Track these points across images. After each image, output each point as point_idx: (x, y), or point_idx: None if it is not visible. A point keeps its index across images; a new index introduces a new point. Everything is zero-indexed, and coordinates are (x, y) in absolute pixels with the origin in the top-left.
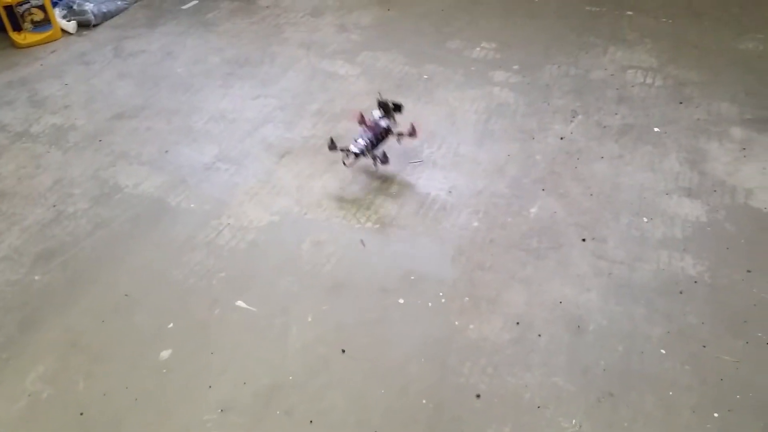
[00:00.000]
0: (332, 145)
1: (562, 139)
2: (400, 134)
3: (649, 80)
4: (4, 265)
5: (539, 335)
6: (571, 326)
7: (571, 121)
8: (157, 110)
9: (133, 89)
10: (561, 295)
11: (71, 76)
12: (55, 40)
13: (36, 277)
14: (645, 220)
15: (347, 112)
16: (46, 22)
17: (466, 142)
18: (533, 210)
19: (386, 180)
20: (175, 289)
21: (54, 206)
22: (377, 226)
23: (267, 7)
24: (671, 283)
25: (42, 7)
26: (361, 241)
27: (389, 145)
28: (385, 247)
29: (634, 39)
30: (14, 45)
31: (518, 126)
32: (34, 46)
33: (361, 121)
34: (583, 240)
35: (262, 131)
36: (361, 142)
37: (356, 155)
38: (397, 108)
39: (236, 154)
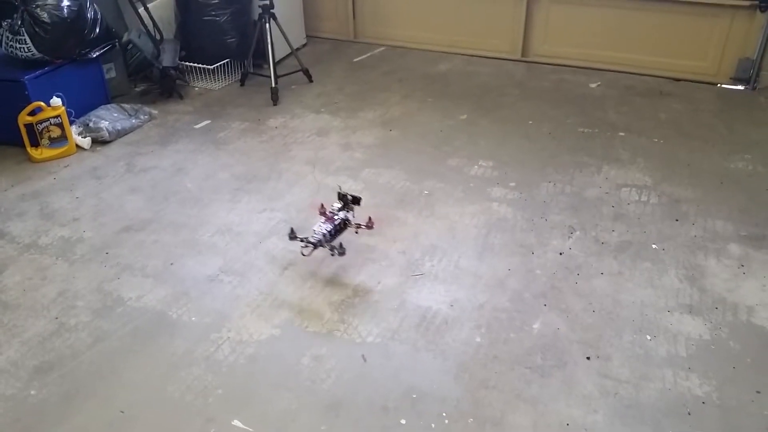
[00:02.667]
0: (292, 235)
1: (561, 254)
2: (358, 225)
3: (644, 198)
4: (1, 378)
5: None
6: None
7: (569, 237)
8: (165, 224)
9: (142, 203)
10: (568, 416)
11: (82, 189)
12: (69, 155)
13: (32, 392)
14: (648, 337)
15: (310, 204)
16: (62, 138)
17: (466, 256)
18: (536, 326)
19: (388, 293)
20: (171, 407)
21: (56, 318)
22: (378, 340)
23: (276, 127)
24: (678, 403)
25: (60, 125)
26: (362, 356)
27: (350, 239)
28: (386, 362)
29: (627, 158)
30: (30, 159)
31: (517, 240)
32: (50, 160)
33: (323, 212)
34: (588, 358)
35: (267, 244)
36: (319, 232)
37: (314, 246)
38: (356, 201)
39: (240, 266)
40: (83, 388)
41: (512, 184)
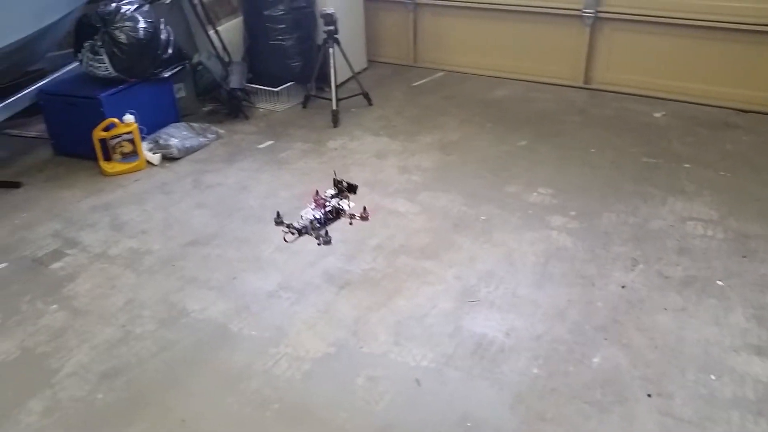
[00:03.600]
0: (278, 220)
1: (623, 287)
2: (351, 216)
3: (710, 232)
4: (71, 381)
5: None
6: None
7: (632, 270)
8: (229, 239)
9: (208, 219)
10: None
11: (151, 203)
12: (139, 170)
13: (99, 395)
14: (713, 377)
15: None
16: (133, 153)
17: (524, 284)
18: (596, 359)
19: (443, 318)
20: (229, 418)
21: (123, 326)
22: (433, 365)
23: (335, 149)
24: None
25: (131, 141)
26: (417, 380)
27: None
28: (440, 387)
29: (693, 191)
30: (103, 173)
31: (578, 271)
32: (121, 174)
33: (317, 199)
34: (649, 395)
35: (324, 263)
36: (306, 218)
37: (299, 232)
38: (352, 188)
39: (298, 283)
40: (147, 395)
41: (572, 212)
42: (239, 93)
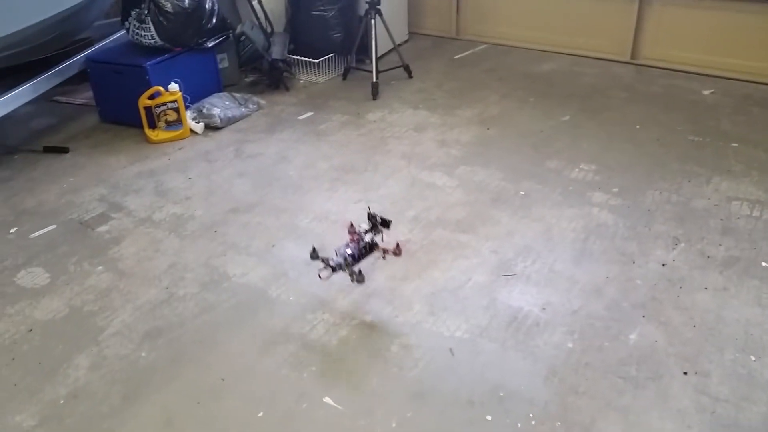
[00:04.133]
0: (314, 255)
1: (663, 265)
2: (385, 251)
3: (756, 213)
4: (116, 339)
5: None
6: None
7: (674, 249)
8: (269, 207)
9: (248, 187)
10: (660, 429)
11: (195, 171)
12: (183, 139)
13: (143, 354)
14: (752, 358)
15: (341, 221)
16: (177, 122)
17: (562, 260)
18: (632, 336)
19: (478, 291)
20: (267, 379)
21: (166, 288)
22: (467, 336)
23: (374, 121)
24: None
25: (176, 109)
26: (450, 349)
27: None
28: (474, 358)
29: (741, 171)
30: (147, 141)
31: (618, 248)
32: (165, 142)
33: (351, 231)
34: (685, 373)
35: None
36: (341, 255)
37: (333, 269)
38: (385, 224)
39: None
40: (188, 354)
41: (615, 189)
42: (281, 64)
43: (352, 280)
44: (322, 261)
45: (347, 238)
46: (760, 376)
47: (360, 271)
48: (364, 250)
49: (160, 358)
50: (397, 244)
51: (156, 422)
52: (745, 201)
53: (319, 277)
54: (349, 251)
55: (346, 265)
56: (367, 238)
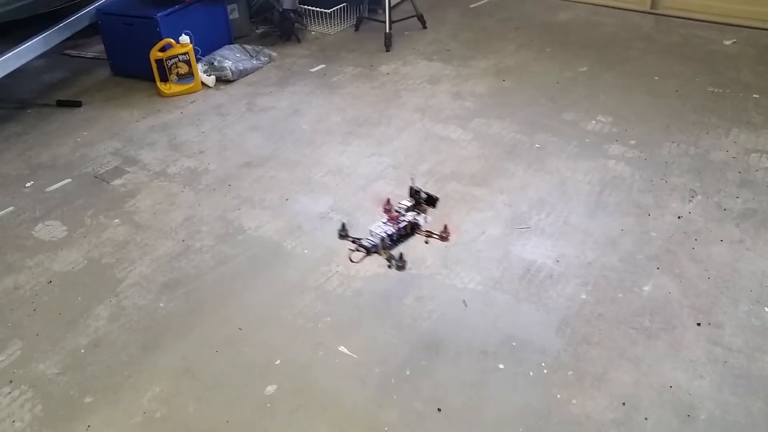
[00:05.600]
0: (343, 233)
1: (679, 218)
2: (429, 234)
3: None
4: (134, 290)
5: (646, 418)
6: (680, 412)
7: (690, 201)
8: (282, 161)
9: (261, 141)
10: (671, 378)
11: (207, 125)
12: (195, 92)
13: (161, 304)
14: (767, 309)
15: (373, 197)
16: (189, 75)
17: (576, 213)
18: (646, 288)
19: (492, 244)
20: (283, 328)
21: (183, 241)
22: (480, 287)
23: (387, 73)
24: None
25: (187, 62)
26: (464, 301)
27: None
28: (487, 309)
29: (760, 122)
30: (159, 94)
31: (633, 201)
32: (177, 96)
33: (387, 209)
34: (698, 324)
35: (374, 186)
36: (377, 235)
37: (367, 251)
38: (431, 201)
39: (349, 206)
40: (206, 304)
41: (632, 141)
42: (291, 15)
43: (389, 266)
44: (353, 241)
45: (384, 216)
46: None
47: (401, 256)
48: (404, 231)
49: (178, 309)
50: (445, 227)
51: (175, 370)
52: (764, 153)
53: (350, 260)
54: (387, 232)
55: (384, 248)
56: (409, 216)
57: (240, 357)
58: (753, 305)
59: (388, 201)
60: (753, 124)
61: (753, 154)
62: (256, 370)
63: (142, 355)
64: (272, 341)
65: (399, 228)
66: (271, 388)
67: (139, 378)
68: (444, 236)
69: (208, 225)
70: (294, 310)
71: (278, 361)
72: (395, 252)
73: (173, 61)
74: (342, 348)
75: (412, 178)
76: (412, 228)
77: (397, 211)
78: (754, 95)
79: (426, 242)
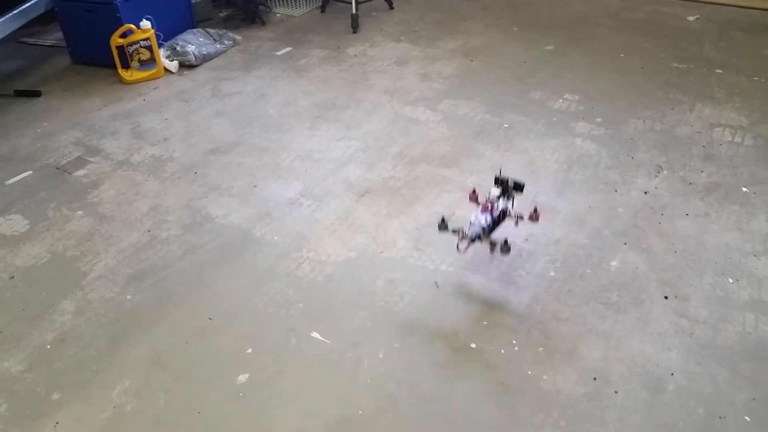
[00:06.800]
0: (443, 225)
1: (645, 193)
2: (519, 217)
3: (737, 139)
4: (100, 283)
5: (616, 392)
6: (649, 384)
7: (656, 176)
8: (249, 147)
9: (227, 127)
10: (640, 351)
11: (171, 111)
12: (158, 78)
13: (128, 297)
14: (730, 280)
15: (460, 190)
16: (151, 61)
17: (545, 191)
18: (614, 263)
19: (462, 224)
20: (255, 317)
21: (149, 231)
22: (451, 268)
23: (355, 56)
24: (758, 347)
25: (149, 48)
26: (435, 282)
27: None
28: (458, 290)
29: (723, 97)
30: (121, 81)
31: (600, 178)
32: (139, 82)
33: (474, 199)
34: (665, 297)
35: (344, 171)
36: (478, 225)
37: (472, 240)
38: (518, 188)
39: (319, 191)
40: (174, 295)
41: (598, 119)
42: None
43: (492, 251)
44: (454, 232)
45: (474, 207)
46: (737, 298)
47: (506, 241)
48: (498, 219)
49: (146, 300)
50: (535, 208)
51: (145, 362)
52: (727, 127)
53: (458, 249)
54: (486, 220)
55: (485, 234)
56: (501, 204)
57: (211, 347)
58: (717, 277)
59: (474, 191)
60: (716, 98)
61: (716, 129)
62: (227, 359)
63: (111, 349)
64: (243, 330)
65: (495, 216)
66: (243, 378)
67: (108, 372)
68: (534, 218)
69: (174, 214)
70: (265, 297)
71: (250, 350)
72: (495, 238)
73: (134, 47)
74: (314, 334)
75: (500, 170)
76: (504, 214)
77: (489, 200)
78: (717, 70)
79: (516, 225)
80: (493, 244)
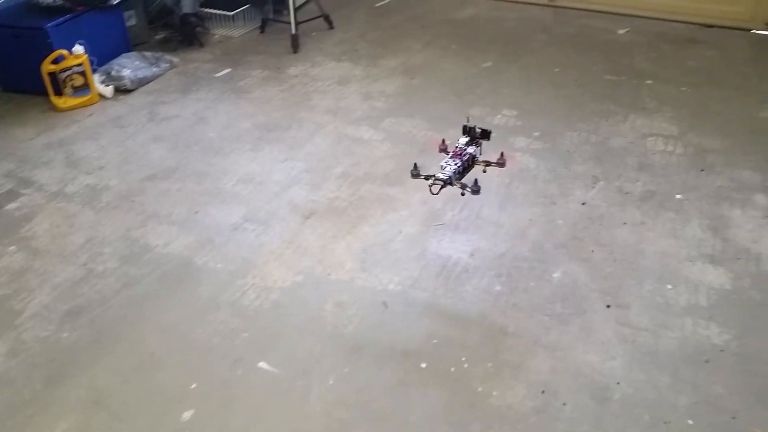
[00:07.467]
0: (416, 172)
1: (583, 204)
2: (487, 163)
3: (669, 148)
4: (34, 321)
5: (564, 403)
6: (596, 394)
7: (593, 188)
8: (189, 172)
9: (166, 152)
10: (585, 362)
11: (107, 138)
12: (92, 104)
13: (64, 335)
14: (669, 287)
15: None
16: (85, 87)
17: (488, 206)
18: (556, 275)
19: (409, 243)
20: (198, 349)
21: (84, 265)
22: (399, 288)
23: (296, 76)
24: (697, 351)
25: (82, 73)
26: (384, 302)
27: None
28: (407, 309)
29: (654, 107)
30: (54, 108)
31: (540, 191)
32: (73, 109)
33: (443, 149)
34: (607, 306)
35: (289, 193)
36: (449, 170)
37: (443, 183)
38: (485, 134)
39: (263, 215)
40: (113, 331)
41: (536, 133)
42: (193, 18)
43: (462, 194)
44: (426, 178)
45: (442, 155)
46: (676, 304)
47: (476, 182)
48: (467, 164)
49: (83, 338)
50: (502, 153)
51: (83, 403)
52: (659, 137)
53: (431, 191)
54: (455, 165)
55: (455, 178)
56: (470, 150)
57: (153, 383)
58: (656, 284)
59: (443, 141)
60: (648, 109)
61: (649, 138)
62: (170, 396)
63: (47, 391)
64: (187, 364)
65: (463, 161)
66: (187, 414)
67: (45, 415)
68: (501, 163)
69: (111, 246)
70: (209, 328)
71: (194, 385)
72: (468, 181)
73: (67, 73)
74: (262, 364)
75: (467, 117)
76: (473, 159)
77: (458, 147)
78: (647, 81)
79: (484, 171)
80: (463, 186)
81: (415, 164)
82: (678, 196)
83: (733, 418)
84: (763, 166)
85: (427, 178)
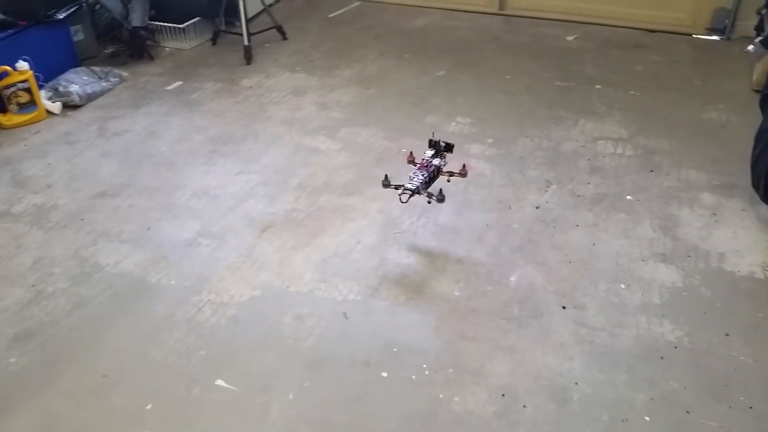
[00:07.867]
0: (386, 182)
1: (537, 208)
2: (450, 173)
3: (619, 150)
4: None
5: (524, 406)
6: (555, 396)
7: (546, 191)
8: (140, 188)
9: (116, 168)
10: (544, 364)
11: (54, 156)
12: (39, 121)
13: (12, 360)
14: (623, 286)
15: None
16: (31, 103)
17: (445, 213)
18: (513, 278)
19: (368, 252)
20: (153, 369)
21: (33, 286)
22: (359, 297)
23: (250, 87)
24: (652, 348)
25: (28, 90)
26: (344, 313)
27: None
28: (367, 318)
29: (604, 111)
30: None
31: (495, 196)
32: (19, 127)
33: (411, 160)
34: (564, 307)
35: (245, 206)
36: (417, 180)
37: (412, 193)
38: (449, 148)
39: (218, 229)
40: (64, 354)
41: (490, 140)
42: (142, 32)
43: (429, 202)
44: (396, 188)
45: (410, 167)
46: (630, 303)
47: (441, 191)
48: (433, 174)
49: (33, 362)
50: (464, 165)
51: (35, 431)
52: (609, 140)
53: (401, 201)
54: (423, 176)
55: (423, 188)
56: (436, 162)
57: (107, 407)
58: (611, 284)
59: (411, 153)
60: (597, 113)
61: (599, 142)
62: (125, 418)
63: None
64: (142, 385)
65: (430, 172)
66: None
67: None
68: (463, 173)
69: (60, 266)
70: (164, 347)
71: (150, 406)
72: (434, 191)
73: (11, 90)
74: (219, 381)
75: (432, 132)
76: (438, 170)
77: (425, 159)
78: (597, 86)
79: (448, 181)
80: (430, 195)
81: (386, 175)
82: (629, 197)
83: (688, 412)
84: (708, 166)
85: (396, 187)
